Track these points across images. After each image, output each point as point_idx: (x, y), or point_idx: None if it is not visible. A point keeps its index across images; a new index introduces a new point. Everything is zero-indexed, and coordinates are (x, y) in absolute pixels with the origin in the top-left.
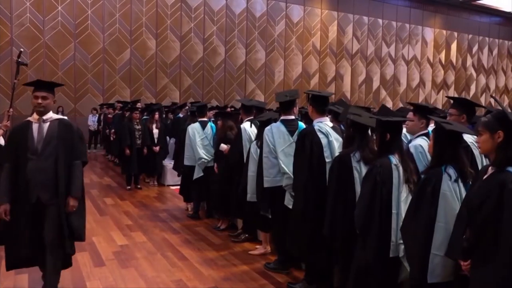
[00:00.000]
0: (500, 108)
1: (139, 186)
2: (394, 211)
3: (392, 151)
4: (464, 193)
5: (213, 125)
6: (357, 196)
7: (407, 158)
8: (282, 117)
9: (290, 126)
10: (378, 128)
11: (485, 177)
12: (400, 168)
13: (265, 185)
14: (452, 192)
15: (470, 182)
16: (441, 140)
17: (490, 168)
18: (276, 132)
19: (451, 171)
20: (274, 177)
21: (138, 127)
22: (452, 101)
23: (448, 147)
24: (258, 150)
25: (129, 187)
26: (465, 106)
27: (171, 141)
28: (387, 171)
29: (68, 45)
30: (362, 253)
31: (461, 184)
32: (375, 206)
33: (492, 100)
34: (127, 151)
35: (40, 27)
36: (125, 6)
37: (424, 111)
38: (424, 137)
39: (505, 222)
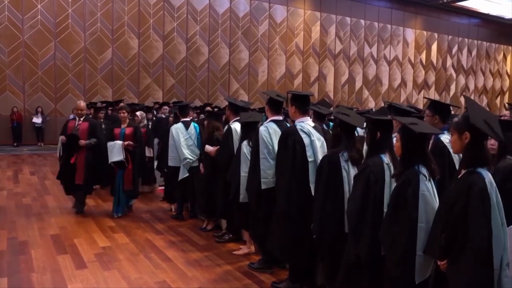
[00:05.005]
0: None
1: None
2: (385, 209)
3: (383, 150)
4: (435, 190)
5: (196, 125)
6: (346, 195)
7: (396, 157)
8: (272, 118)
9: (281, 127)
10: (369, 127)
11: (459, 177)
12: (392, 167)
13: (263, 186)
14: (430, 192)
15: (437, 178)
16: (410, 141)
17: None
18: (273, 132)
19: (424, 170)
20: (272, 178)
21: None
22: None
23: (417, 147)
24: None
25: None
26: (437, 108)
27: (154, 142)
28: (380, 170)
29: (48, 44)
30: (353, 250)
31: (431, 181)
32: (369, 205)
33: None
34: None
35: (19, 26)
36: (106, 5)
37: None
38: None
39: (470, 224)
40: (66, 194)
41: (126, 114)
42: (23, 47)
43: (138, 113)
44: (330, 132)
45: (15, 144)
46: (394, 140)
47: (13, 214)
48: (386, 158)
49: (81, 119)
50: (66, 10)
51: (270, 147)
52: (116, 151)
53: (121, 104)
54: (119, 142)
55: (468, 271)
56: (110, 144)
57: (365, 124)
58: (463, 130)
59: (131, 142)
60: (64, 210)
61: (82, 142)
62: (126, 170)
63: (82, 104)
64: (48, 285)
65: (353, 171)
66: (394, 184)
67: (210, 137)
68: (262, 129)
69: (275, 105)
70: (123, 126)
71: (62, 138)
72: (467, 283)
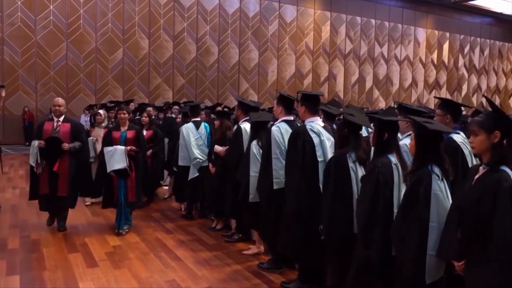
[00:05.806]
0: (491, 108)
1: None
2: (395, 210)
3: (390, 150)
4: (448, 191)
5: (206, 125)
6: (354, 196)
7: (403, 157)
8: (284, 118)
9: (292, 127)
10: (377, 127)
11: (477, 176)
12: (399, 167)
13: (275, 187)
14: (443, 192)
15: (450, 179)
16: (424, 140)
17: (481, 167)
18: (285, 132)
19: (437, 170)
20: (284, 178)
21: (112, 125)
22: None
23: (431, 147)
24: (261, 151)
25: None
26: (449, 107)
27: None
28: (389, 170)
29: (60, 45)
30: (362, 252)
31: (445, 182)
32: (379, 206)
33: (484, 100)
34: None
35: (32, 26)
36: (117, 5)
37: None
38: None
39: (498, 221)
40: (41, 210)
41: (126, 115)
42: (36, 48)
43: (101, 111)
44: None
45: (27, 143)
46: (408, 140)
47: (26, 213)
48: (393, 158)
49: (60, 119)
50: (77, 10)
51: (283, 147)
52: (118, 157)
53: (131, 103)
54: (121, 147)
55: (493, 272)
56: (108, 149)
57: (372, 124)
58: (493, 129)
59: (133, 147)
60: (75, 209)
61: (66, 145)
62: (129, 180)
63: (61, 100)
64: (59, 283)
65: (361, 172)
66: (403, 185)
67: (223, 136)
68: (274, 129)
69: (287, 104)
70: (123, 128)
71: (39, 142)
72: (492, 283)
